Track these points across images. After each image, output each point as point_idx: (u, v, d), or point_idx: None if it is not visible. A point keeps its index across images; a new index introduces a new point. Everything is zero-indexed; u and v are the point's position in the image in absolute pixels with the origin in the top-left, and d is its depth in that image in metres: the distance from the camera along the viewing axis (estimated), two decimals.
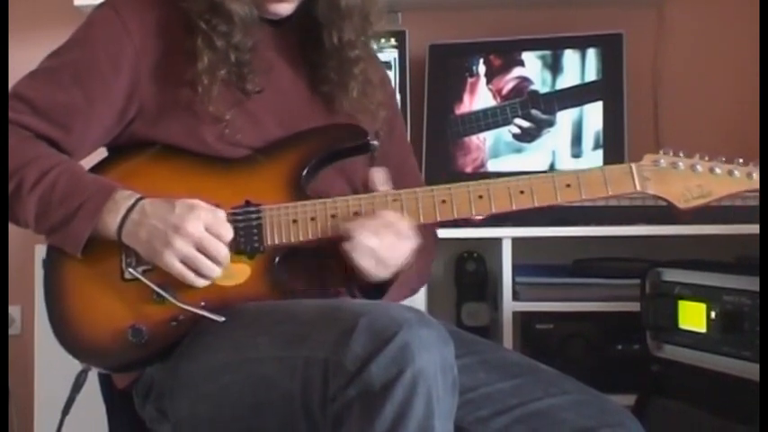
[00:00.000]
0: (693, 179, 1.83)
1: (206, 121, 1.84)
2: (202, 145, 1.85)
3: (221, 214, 1.78)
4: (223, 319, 1.76)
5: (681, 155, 1.84)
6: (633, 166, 1.84)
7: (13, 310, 3.33)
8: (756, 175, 1.82)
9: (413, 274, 1.94)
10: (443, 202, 1.83)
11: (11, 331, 3.32)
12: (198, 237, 1.74)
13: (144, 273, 1.80)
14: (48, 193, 1.77)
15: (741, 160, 1.83)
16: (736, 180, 1.83)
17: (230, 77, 1.85)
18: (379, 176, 1.88)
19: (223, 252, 1.76)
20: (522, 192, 1.83)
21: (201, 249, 1.75)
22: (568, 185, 1.83)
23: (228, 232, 1.77)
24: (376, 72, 2.04)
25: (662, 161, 1.84)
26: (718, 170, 1.83)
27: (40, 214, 1.78)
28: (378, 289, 1.86)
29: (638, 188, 1.84)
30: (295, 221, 1.82)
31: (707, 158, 1.84)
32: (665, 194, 1.84)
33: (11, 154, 1.79)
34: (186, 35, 1.86)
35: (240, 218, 1.82)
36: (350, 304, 1.68)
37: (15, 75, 1.90)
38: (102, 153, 1.94)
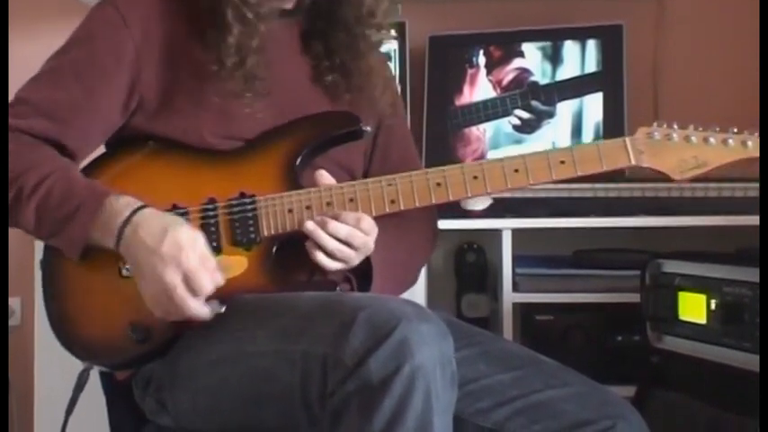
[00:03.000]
0: (688, 150, 1.83)
1: (208, 113, 1.84)
2: (199, 138, 1.86)
3: (210, 263, 1.72)
4: (224, 308, 1.76)
5: (675, 127, 1.84)
6: (627, 139, 1.85)
7: (13, 302, 3.33)
8: (751, 144, 1.82)
9: (401, 263, 1.96)
10: (438, 184, 1.83)
11: (11, 322, 3.32)
12: (171, 287, 1.68)
13: None
14: (44, 199, 1.77)
15: (735, 129, 1.83)
16: (731, 149, 1.83)
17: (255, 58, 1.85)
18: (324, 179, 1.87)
19: (191, 306, 1.70)
20: (516, 170, 1.83)
21: (173, 300, 1.70)
22: (563, 162, 1.83)
23: (204, 288, 1.70)
24: (379, 58, 2.06)
25: (656, 134, 1.84)
26: (712, 140, 1.83)
27: (39, 221, 1.78)
28: (368, 274, 1.88)
29: (633, 161, 1.84)
30: (290, 211, 1.82)
31: (701, 129, 1.84)
32: (660, 167, 1.84)
33: (11, 160, 1.79)
34: (194, 24, 1.86)
35: (235, 210, 1.82)
36: (349, 298, 1.68)
37: (17, 68, 1.90)
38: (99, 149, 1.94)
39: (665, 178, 1.86)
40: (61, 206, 1.76)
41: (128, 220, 1.73)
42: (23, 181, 1.77)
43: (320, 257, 1.79)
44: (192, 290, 1.70)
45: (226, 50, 1.83)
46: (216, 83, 1.84)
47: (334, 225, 1.78)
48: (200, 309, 1.71)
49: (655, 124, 1.85)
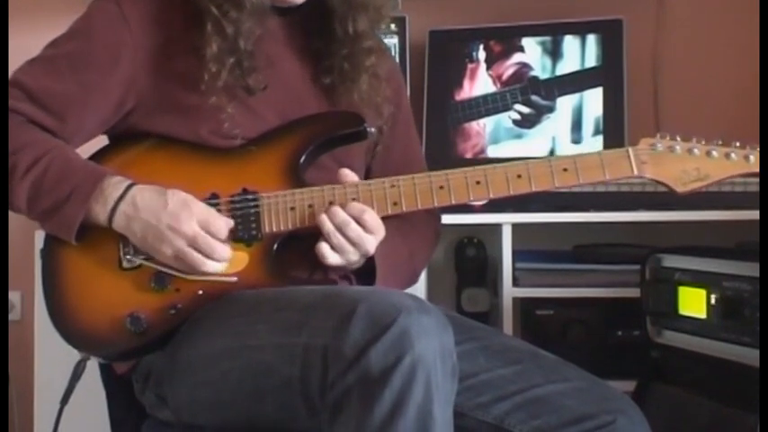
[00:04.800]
0: (690, 162, 1.84)
1: (205, 114, 1.85)
2: (199, 138, 1.86)
3: (214, 211, 1.79)
4: (235, 279, 1.79)
5: (678, 138, 1.85)
6: (630, 149, 1.85)
7: (13, 296, 3.33)
8: (753, 158, 1.83)
9: (403, 262, 1.95)
10: (441, 188, 1.83)
11: (11, 317, 3.32)
12: (192, 235, 1.75)
13: (144, 261, 1.81)
14: (40, 178, 1.78)
15: (738, 143, 1.84)
16: (734, 163, 1.83)
17: (236, 70, 1.85)
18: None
19: (218, 249, 1.76)
20: (519, 176, 1.83)
21: (196, 247, 1.75)
22: (565, 170, 1.83)
23: (222, 229, 1.77)
24: (385, 64, 2.04)
25: (659, 145, 1.85)
26: (715, 153, 1.83)
27: (32, 199, 1.79)
28: (369, 274, 1.88)
29: (636, 172, 1.84)
30: (293, 209, 1.83)
31: (704, 142, 1.84)
32: (662, 178, 1.85)
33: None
34: (188, 27, 1.86)
35: (238, 206, 1.82)
36: (349, 290, 1.69)
37: (16, 61, 1.90)
38: (102, 140, 1.94)
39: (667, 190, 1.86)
40: (57, 185, 1.78)
41: (122, 197, 1.77)
42: (18, 158, 1.79)
43: (320, 245, 1.80)
44: (211, 233, 1.76)
45: (204, 63, 1.84)
46: (204, 90, 1.84)
47: (335, 209, 1.79)
48: (225, 249, 1.78)
49: (658, 135, 1.85)
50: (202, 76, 1.83)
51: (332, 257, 1.81)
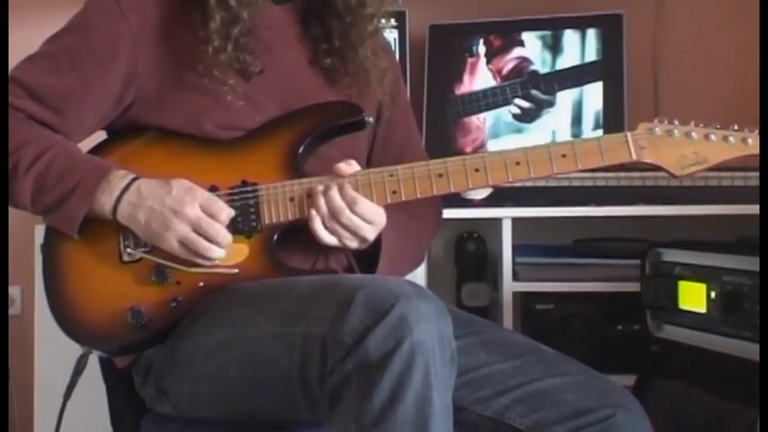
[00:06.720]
0: (689, 146, 1.83)
1: (207, 92, 1.85)
2: (199, 129, 1.86)
3: (215, 197, 1.80)
4: (236, 270, 1.79)
5: (676, 122, 1.84)
6: (629, 134, 1.85)
7: (14, 291, 3.33)
8: (751, 141, 1.82)
9: (407, 248, 1.95)
10: (440, 175, 1.83)
11: (11, 311, 3.32)
12: (195, 219, 1.75)
13: (144, 254, 1.80)
14: (43, 173, 1.78)
15: (736, 126, 1.83)
16: (732, 146, 1.83)
17: (237, 47, 1.85)
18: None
19: (221, 232, 1.77)
20: (518, 163, 1.83)
21: (200, 231, 1.76)
22: (564, 155, 1.83)
23: (222, 211, 1.77)
24: (382, 40, 2.06)
25: (657, 129, 1.84)
26: (713, 136, 1.83)
27: (36, 195, 1.79)
28: (371, 262, 1.87)
29: (634, 157, 1.84)
30: (292, 199, 1.83)
31: (702, 125, 1.84)
32: (660, 162, 1.84)
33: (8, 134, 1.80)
34: (188, 7, 1.86)
35: (237, 197, 1.83)
36: (347, 279, 1.69)
37: (16, 57, 1.90)
38: (101, 135, 1.94)
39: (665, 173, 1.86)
40: (62, 180, 1.78)
41: (127, 187, 1.78)
42: (21, 154, 1.79)
43: (314, 224, 1.80)
44: (213, 217, 1.76)
45: (207, 36, 1.83)
46: (203, 70, 1.84)
47: (331, 194, 1.79)
48: (227, 233, 1.78)
49: (656, 120, 1.85)
50: (207, 49, 1.83)
51: (327, 238, 1.81)
